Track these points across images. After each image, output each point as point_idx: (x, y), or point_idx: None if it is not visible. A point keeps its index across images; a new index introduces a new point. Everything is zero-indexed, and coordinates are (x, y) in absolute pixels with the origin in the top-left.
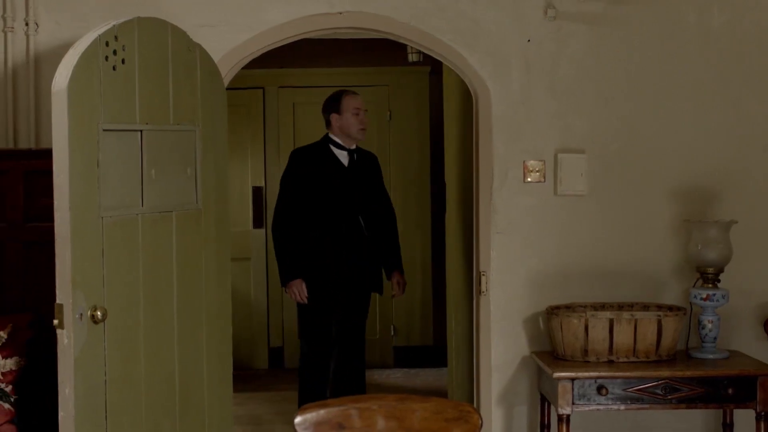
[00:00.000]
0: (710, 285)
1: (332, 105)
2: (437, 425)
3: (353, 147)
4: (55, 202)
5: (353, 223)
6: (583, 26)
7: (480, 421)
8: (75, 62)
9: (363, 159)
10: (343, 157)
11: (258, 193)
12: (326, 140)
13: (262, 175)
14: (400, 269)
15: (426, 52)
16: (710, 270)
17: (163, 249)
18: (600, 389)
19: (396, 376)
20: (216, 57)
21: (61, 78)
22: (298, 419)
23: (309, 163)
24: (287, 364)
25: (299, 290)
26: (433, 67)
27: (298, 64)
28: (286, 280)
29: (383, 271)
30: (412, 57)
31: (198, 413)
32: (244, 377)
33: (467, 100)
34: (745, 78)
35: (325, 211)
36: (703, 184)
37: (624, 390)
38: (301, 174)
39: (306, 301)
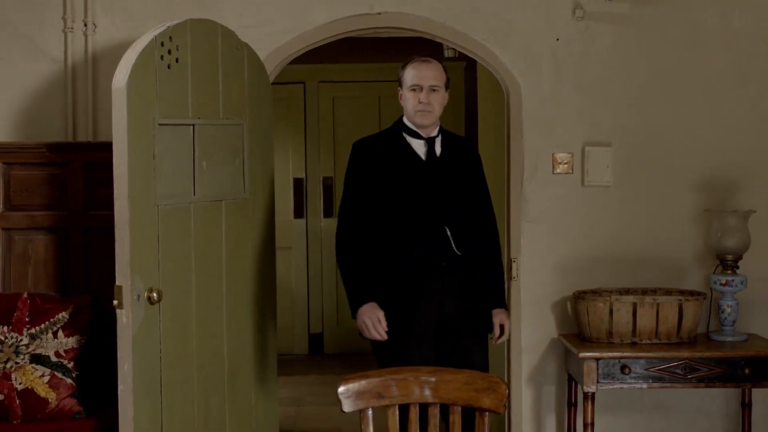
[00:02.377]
0: (729, 271)
1: (399, 77)
2: (468, 395)
3: (434, 134)
4: (115, 192)
5: (438, 237)
6: (610, 26)
7: (507, 391)
8: (133, 61)
9: (452, 151)
10: (419, 147)
11: (299, 185)
12: (398, 125)
13: (302, 167)
14: (505, 306)
15: (461, 50)
16: (729, 257)
17: (214, 235)
18: (623, 369)
19: None
20: (262, 55)
21: (121, 76)
22: (341, 389)
23: (374, 157)
24: (326, 350)
25: (374, 319)
26: (468, 62)
27: (337, 60)
28: (355, 307)
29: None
30: (448, 53)
31: (245, 391)
32: (285, 362)
33: (500, 95)
34: (764, 76)
35: (398, 220)
36: (723, 176)
37: (646, 369)
38: (364, 172)
39: (384, 336)
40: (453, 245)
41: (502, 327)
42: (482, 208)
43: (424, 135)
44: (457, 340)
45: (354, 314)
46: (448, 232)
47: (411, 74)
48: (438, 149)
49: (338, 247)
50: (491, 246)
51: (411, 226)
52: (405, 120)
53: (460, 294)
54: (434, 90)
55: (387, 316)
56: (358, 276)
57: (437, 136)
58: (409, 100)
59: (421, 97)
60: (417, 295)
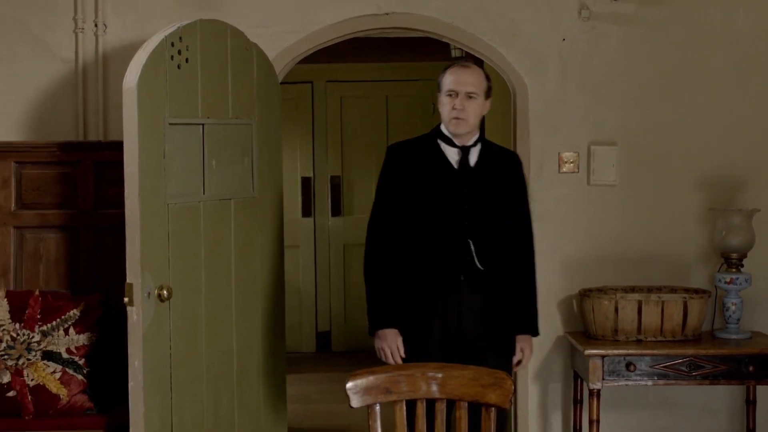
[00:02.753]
0: (734, 269)
1: (438, 81)
2: (474, 390)
3: (470, 143)
4: (126, 190)
5: (460, 248)
6: (615, 26)
7: (513, 387)
8: (144, 62)
9: (491, 163)
10: (452, 155)
11: (306, 184)
12: (435, 132)
13: (310, 166)
14: (533, 331)
15: (467, 50)
16: (734, 255)
17: (223, 234)
18: (628, 366)
19: None
20: (270, 55)
21: (132, 76)
22: (349, 384)
23: (406, 162)
24: (334, 348)
25: (392, 346)
26: (476, 62)
27: (345, 59)
28: (373, 328)
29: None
30: (455, 53)
31: (254, 388)
32: (293, 360)
33: (506, 94)
34: (767, 75)
35: (422, 227)
36: (728, 175)
37: (651, 367)
38: (394, 177)
39: (400, 363)
40: (475, 259)
41: (523, 351)
42: (519, 225)
43: (458, 143)
44: (473, 361)
45: (371, 332)
46: (471, 245)
47: (449, 79)
48: (473, 159)
49: (366, 260)
50: (524, 267)
51: (433, 234)
52: (442, 126)
53: (481, 314)
54: (471, 97)
55: (404, 329)
56: (382, 296)
57: (474, 145)
58: (444, 106)
59: (456, 104)
60: (433, 308)
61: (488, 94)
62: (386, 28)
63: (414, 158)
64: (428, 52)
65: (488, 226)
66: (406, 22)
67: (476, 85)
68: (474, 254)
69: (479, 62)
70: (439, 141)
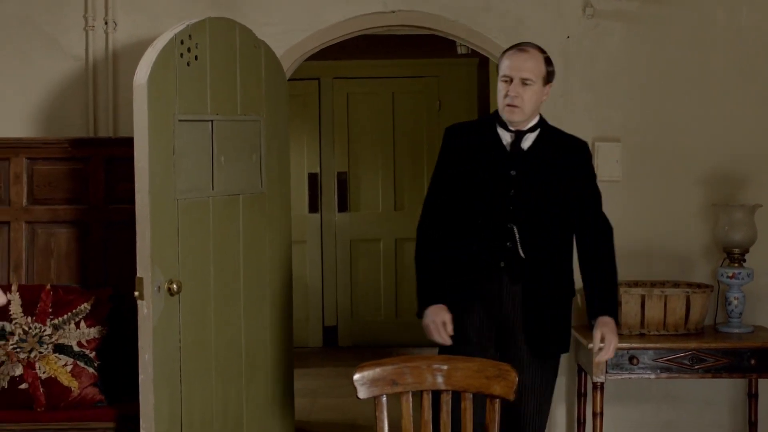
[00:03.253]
0: (736, 264)
1: (498, 65)
2: (479, 382)
3: (526, 127)
4: (136, 186)
5: (502, 234)
6: (619, 24)
7: (517, 379)
8: (154, 59)
9: (546, 147)
10: (506, 138)
11: (313, 180)
12: (495, 115)
13: (317, 162)
14: (613, 314)
15: (473, 47)
16: (736, 250)
17: (231, 229)
18: (632, 359)
19: None
20: (278, 53)
21: (142, 73)
22: (356, 376)
23: (461, 143)
24: (340, 343)
25: (437, 322)
26: (481, 59)
27: (352, 56)
28: (422, 307)
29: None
30: (461, 49)
31: (262, 382)
32: (300, 354)
33: None
34: None
35: (466, 211)
36: (730, 171)
37: (654, 360)
38: (448, 158)
39: (448, 341)
40: (519, 246)
41: (605, 340)
42: (592, 216)
43: (512, 128)
44: (511, 356)
45: (420, 314)
46: (516, 231)
47: (505, 64)
48: (527, 144)
49: (417, 240)
50: (604, 257)
51: (476, 217)
52: (499, 110)
53: (524, 304)
54: (526, 84)
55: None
56: (429, 275)
57: (530, 131)
58: (499, 92)
59: (509, 90)
60: (473, 293)
61: (548, 79)
62: (392, 25)
63: (469, 139)
64: (434, 49)
65: (536, 213)
66: (412, 20)
67: (533, 71)
68: (518, 240)
69: (485, 59)
70: (497, 124)
